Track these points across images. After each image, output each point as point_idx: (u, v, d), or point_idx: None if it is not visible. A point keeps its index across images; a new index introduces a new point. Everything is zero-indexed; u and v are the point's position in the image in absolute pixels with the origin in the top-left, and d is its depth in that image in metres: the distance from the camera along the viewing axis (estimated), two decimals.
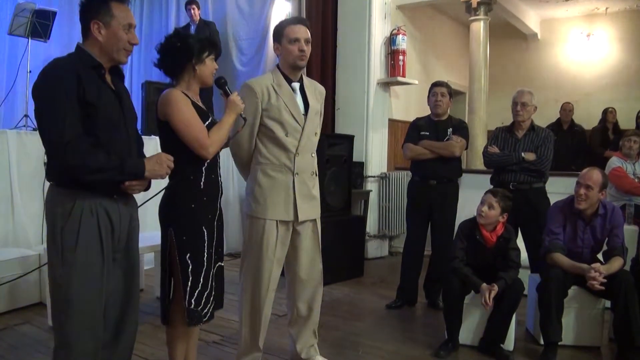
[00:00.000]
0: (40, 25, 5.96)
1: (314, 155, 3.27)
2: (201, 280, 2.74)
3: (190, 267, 2.71)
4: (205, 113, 2.79)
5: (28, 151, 4.91)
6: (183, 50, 2.74)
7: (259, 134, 3.14)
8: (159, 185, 2.72)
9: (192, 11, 7.24)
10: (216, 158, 2.85)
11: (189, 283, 2.71)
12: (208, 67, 2.79)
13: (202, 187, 2.75)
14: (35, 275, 4.46)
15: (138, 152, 2.64)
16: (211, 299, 2.80)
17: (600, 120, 8.13)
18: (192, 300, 2.72)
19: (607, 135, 7.93)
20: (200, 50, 2.75)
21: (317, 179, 3.32)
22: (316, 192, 3.31)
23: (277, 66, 3.23)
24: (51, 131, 2.29)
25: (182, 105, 2.67)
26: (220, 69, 7.27)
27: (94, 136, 2.33)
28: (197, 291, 2.72)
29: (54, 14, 6.10)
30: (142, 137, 2.80)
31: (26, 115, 5.73)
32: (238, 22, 7.57)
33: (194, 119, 2.67)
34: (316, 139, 3.29)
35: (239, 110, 2.81)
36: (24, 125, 5.66)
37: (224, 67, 7.55)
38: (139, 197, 2.64)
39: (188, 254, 2.71)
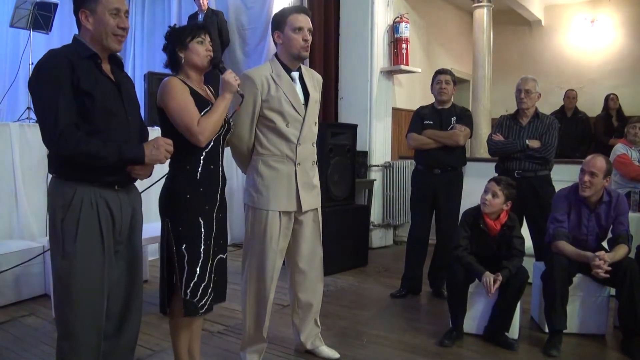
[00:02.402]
0: (41, 17, 5.95)
1: (314, 144, 3.26)
2: (197, 271, 2.73)
3: (186, 258, 2.71)
4: (206, 101, 2.77)
5: (31, 144, 4.91)
6: (168, 40, 2.77)
7: (259, 125, 3.11)
8: (161, 172, 2.72)
9: (201, 0, 7.22)
10: (217, 148, 2.83)
11: (185, 274, 2.71)
12: (194, 52, 2.74)
13: (198, 177, 2.74)
14: (40, 267, 4.48)
15: (141, 142, 2.63)
16: (209, 291, 2.78)
17: (603, 108, 8.09)
18: (188, 292, 2.71)
19: (611, 123, 7.89)
20: (181, 36, 2.73)
21: (317, 168, 3.31)
22: (317, 181, 3.30)
23: (276, 55, 3.20)
24: (45, 122, 2.29)
25: (176, 92, 2.66)
26: (224, 58, 7.26)
27: (92, 125, 2.33)
28: (192, 282, 2.71)
29: (56, 5, 6.09)
30: (147, 127, 2.80)
31: (29, 108, 5.73)
32: (241, 11, 7.54)
33: (186, 106, 2.65)
34: (316, 128, 3.27)
35: (233, 89, 2.76)
36: (27, 118, 5.66)
37: (227, 56, 7.55)
38: (140, 184, 2.65)
39: (184, 245, 2.71)
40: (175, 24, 2.91)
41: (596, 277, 3.64)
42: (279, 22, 3.13)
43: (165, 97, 2.67)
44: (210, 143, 2.76)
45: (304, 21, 3.08)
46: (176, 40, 2.75)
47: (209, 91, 2.91)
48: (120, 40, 2.46)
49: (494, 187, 3.72)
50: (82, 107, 2.31)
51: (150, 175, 2.59)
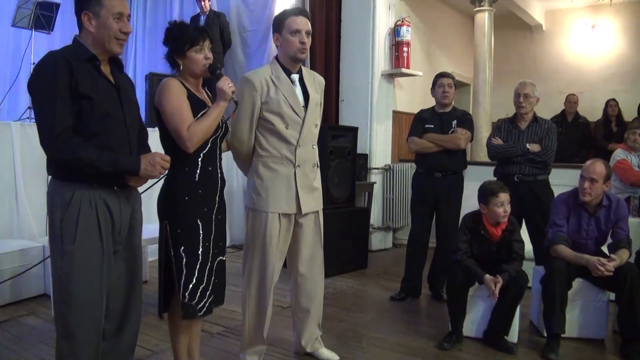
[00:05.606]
0: (43, 17, 5.96)
1: (315, 146, 3.26)
2: (195, 273, 2.72)
3: (185, 260, 2.70)
4: (203, 104, 2.76)
5: (32, 143, 4.89)
6: (167, 43, 2.76)
7: (259, 127, 3.11)
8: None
9: (203, 2, 7.24)
10: (215, 150, 2.82)
11: (183, 276, 2.70)
12: (192, 60, 2.72)
13: (196, 179, 2.73)
14: (40, 267, 4.47)
15: (141, 144, 2.65)
16: (207, 293, 2.78)
17: (602, 113, 8.10)
18: (186, 294, 2.71)
19: (611, 128, 7.91)
20: (179, 43, 2.71)
21: (318, 170, 3.31)
22: (317, 183, 3.29)
23: (276, 58, 3.20)
24: (42, 124, 2.31)
25: (171, 93, 2.66)
26: (225, 60, 7.25)
27: (90, 128, 2.34)
28: (191, 285, 2.71)
29: (57, 5, 6.09)
30: (147, 128, 2.80)
31: (30, 107, 5.72)
32: (242, 12, 7.55)
33: (179, 110, 2.64)
34: (317, 130, 3.27)
35: (227, 97, 2.74)
36: (28, 118, 5.66)
37: (228, 58, 7.56)
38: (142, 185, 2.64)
39: (182, 247, 2.70)
40: (175, 20, 2.88)
41: (596, 282, 3.65)
42: (278, 24, 3.13)
43: (161, 98, 2.68)
44: (207, 145, 2.76)
45: (302, 23, 3.08)
46: (174, 46, 2.73)
47: (206, 95, 2.91)
48: (122, 43, 2.47)
49: (506, 197, 3.68)
50: (80, 110, 2.32)
51: (145, 183, 2.59)
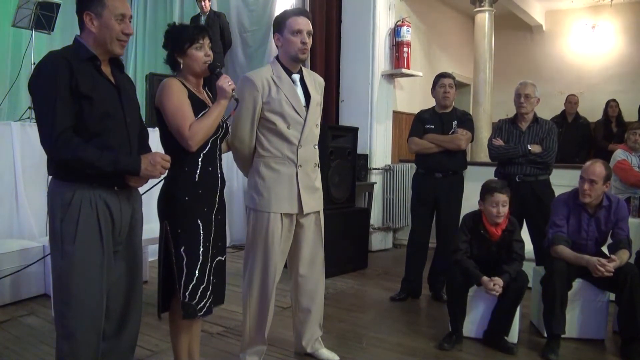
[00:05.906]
0: (44, 17, 5.95)
1: (316, 146, 3.26)
2: (196, 274, 2.72)
3: (185, 260, 2.70)
4: (204, 104, 2.76)
5: (32, 143, 4.89)
6: (166, 43, 2.76)
7: (260, 127, 3.10)
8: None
9: (203, 3, 7.25)
10: (215, 150, 2.82)
11: (183, 276, 2.70)
12: (192, 58, 2.73)
13: (196, 179, 2.73)
14: (40, 267, 4.47)
15: (142, 144, 2.64)
16: (208, 293, 2.78)
17: (602, 114, 8.10)
18: (187, 294, 2.71)
19: (611, 128, 7.91)
20: (179, 41, 2.72)
21: (319, 170, 3.31)
22: (318, 183, 3.29)
23: (277, 58, 3.20)
24: (42, 124, 2.31)
25: (172, 93, 2.66)
26: (225, 61, 7.25)
27: (90, 128, 2.34)
28: (191, 285, 2.71)
29: (58, 5, 6.08)
30: (147, 128, 2.80)
31: (30, 107, 5.71)
32: (243, 13, 7.55)
33: (181, 109, 2.65)
34: (317, 130, 3.27)
35: (227, 95, 2.74)
36: (28, 118, 5.66)
37: (229, 58, 7.55)
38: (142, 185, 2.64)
39: (183, 247, 2.70)
40: (174, 22, 2.89)
41: (596, 282, 3.65)
42: (279, 24, 3.13)
43: (162, 97, 2.68)
44: (207, 145, 2.76)
45: (303, 24, 3.08)
46: (175, 45, 2.74)
47: (206, 95, 2.91)
48: (123, 45, 2.47)
49: (502, 197, 3.67)
50: (80, 110, 2.32)
51: (146, 183, 2.59)
